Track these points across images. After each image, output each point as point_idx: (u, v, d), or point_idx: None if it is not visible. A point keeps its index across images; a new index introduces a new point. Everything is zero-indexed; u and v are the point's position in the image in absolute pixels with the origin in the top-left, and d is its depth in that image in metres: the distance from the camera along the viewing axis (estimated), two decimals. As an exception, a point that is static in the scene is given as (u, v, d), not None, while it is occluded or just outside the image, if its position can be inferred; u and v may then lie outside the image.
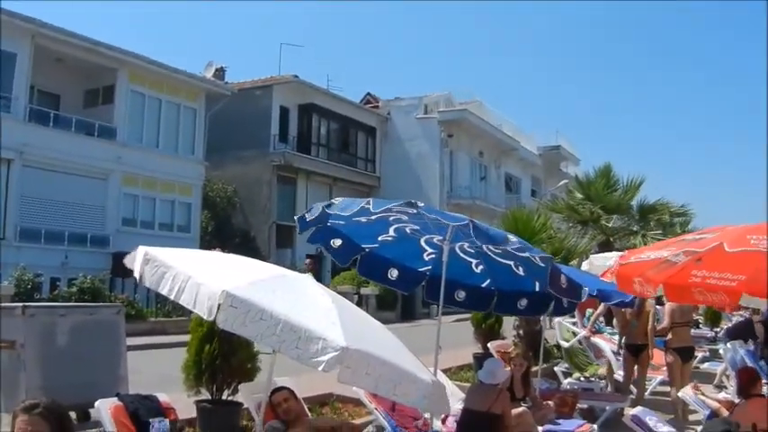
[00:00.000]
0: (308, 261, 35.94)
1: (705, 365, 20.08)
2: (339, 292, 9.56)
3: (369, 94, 54.23)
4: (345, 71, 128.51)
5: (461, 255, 9.69)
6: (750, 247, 6.65)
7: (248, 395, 9.34)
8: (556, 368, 17.17)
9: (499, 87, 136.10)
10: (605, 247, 22.00)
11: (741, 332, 19.76)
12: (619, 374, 16.05)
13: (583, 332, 17.47)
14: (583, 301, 9.75)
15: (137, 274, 6.13)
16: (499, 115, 57.38)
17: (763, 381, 11.67)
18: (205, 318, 5.58)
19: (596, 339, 17.72)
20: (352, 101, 50.03)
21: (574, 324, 17.95)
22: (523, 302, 10.10)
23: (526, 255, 8.59)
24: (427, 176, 48.84)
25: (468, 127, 52.12)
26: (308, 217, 8.78)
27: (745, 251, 6.66)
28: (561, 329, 17.98)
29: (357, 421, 11.41)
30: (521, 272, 9.14)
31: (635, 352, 14.96)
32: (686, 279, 7.98)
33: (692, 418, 13.45)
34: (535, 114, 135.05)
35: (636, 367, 15.16)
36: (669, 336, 14.82)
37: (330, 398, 13.28)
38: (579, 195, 27.30)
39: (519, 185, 62.47)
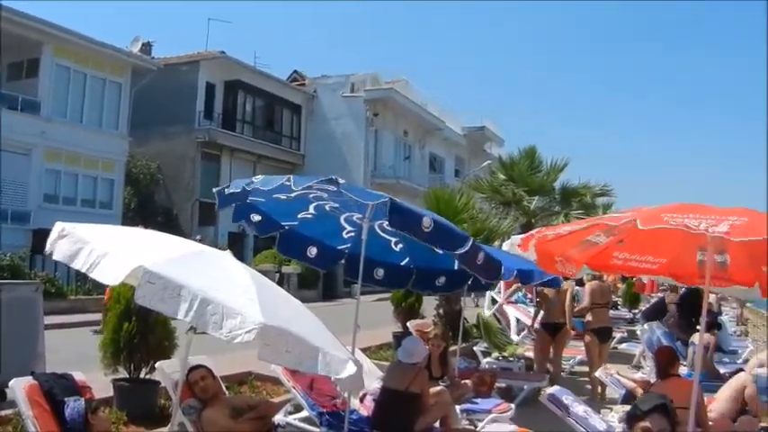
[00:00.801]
0: None
1: (623, 346, 20.40)
2: (260, 271, 9.51)
3: (296, 71, 53.93)
4: (273, 48, 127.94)
5: (380, 233, 9.73)
6: (664, 225, 6.75)
7: (165, 374, 9.22)
8: (475, 348, 17.29)
9: (427, 67, 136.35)
10: (527, 228, 22.18)
11: (657, 313, 20.16)
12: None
13: (500, 300, 17.75)
14: (502, 279, 9.89)
15: (48, 249, 6.08)
16: (425, 95, 57.44)
17: (680, 361, 11.95)
18: (110, 283, 5.58)
19: (508, 308, 17.94)
20: (279, 78, 49.62)
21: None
22: (441, 280, 10.19)
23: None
24: (352, 155, 48.84)
25: (394, 106, 52.06)
26: (227, 191, 8.78)
27: (661, 228, 6.75)
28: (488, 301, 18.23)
29: (275, 400, 11.35)
30: (439, 249, 9.22)
31: (552, 330, 15.03)
32: (608, 261, 8.10)
33: (608, 397, 13.71)
34: (463, 95, 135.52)
35: (552, 346, 15.23)
36: (588, 316, 15.03)
37: (249, 376, 13.25)
38: (502, 176, 27.45)
39: (443, 165, 62.57)
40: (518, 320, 17.89)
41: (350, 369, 5.82)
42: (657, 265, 7.77)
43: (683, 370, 11.26)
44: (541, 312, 15.35)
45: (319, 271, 25.41)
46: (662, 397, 4.49)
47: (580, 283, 17.27)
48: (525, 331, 18.00)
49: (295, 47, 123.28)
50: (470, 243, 8.12)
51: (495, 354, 16.43)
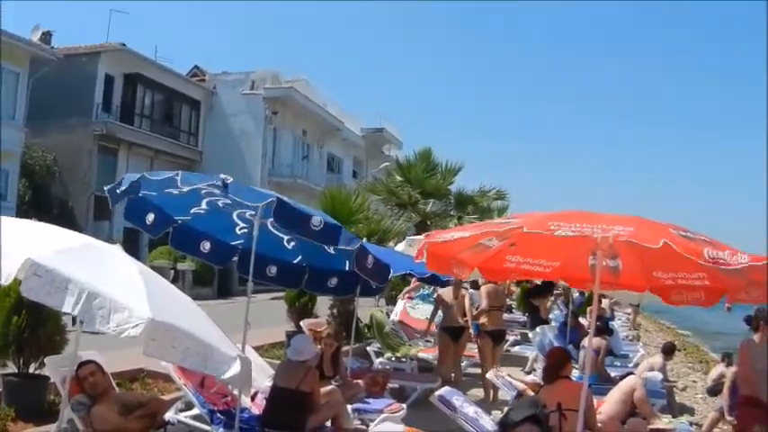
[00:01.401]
0: None
1: (516, 349, 20.59)
2: (155, 267, 9.45)
3: (196, 66, 53.36)
4: (174, 43, 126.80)
5: (273, 230, 9.70)
6: (548, 232, 6.85)
7: (54, 369, 9.05)
8: (368, 348, 17.29)
9: (328, 68, 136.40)
10: (421, 229, 22.29)
11: (539, 318, 20.49)
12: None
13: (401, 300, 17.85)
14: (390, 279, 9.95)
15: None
16: (325, 95, 57.35)
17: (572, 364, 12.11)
18: (2, 282, 5.47)
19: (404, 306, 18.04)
20: (179, 73, 49.07)
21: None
22: (333, 281, 10.21)
23: (335, 234, 8.67)
24: (250, 153, 48.48)
25: (294, 105, 51.80)
26: (119, 189, 8.67)
27: (546, 235, 6.86)
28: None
29: (166, 397, 11.24)
30: (331, 250, 9.22)
31: (453, 334, 15.11)
32: (501, 264, 8.16)
33: (501, 399, 13.82)
34: (364, 97, 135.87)
35: (453, 350, 15.24)
36: (482, 319, 15.14)
37: (141, 373, 13.06)
38: (399, 178, 27.61)
39: (341, 166, 62.52)
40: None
41: (235, 368, 5.78)
42: (550, 269, 7.84)
43: (574, 373, 11.40)
44: (439, 314, 15.43)
45: (215, 268, 25.24)
46: (534, 405, 4.51)
47: (474, 285, 17.38)
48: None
49: (196, 42, 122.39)
50: (359, 244, 8.14)
51: (388, 354, 16.44)
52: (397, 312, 18.63)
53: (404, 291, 18.51)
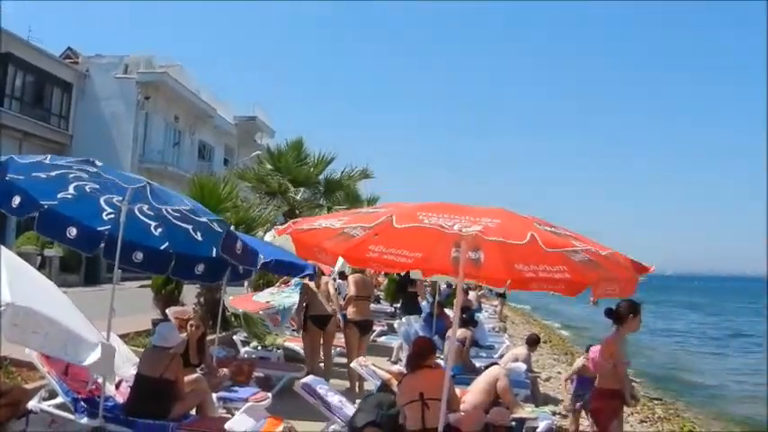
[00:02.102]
0: None
1: (382, 339, 20.77)
2: (22, 253, 9.27)
3: (69, 48, 52.13)
4: (47, 23, 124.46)
5: (140, 216, 9.57)
6: (419, 223, 6.90)
7: None
8: (235, 336, 17.22)
9: (202, 55, 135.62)
10: (291, 217, 22.26)
11: (413, 306, 20.69)
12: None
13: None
14: (258, 268, 9.94)
15: None
16: (199, 82, 56.84)
17: (437, 354, 12.23)
18: None
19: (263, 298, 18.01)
20: (52, 54, 47.80)
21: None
22: (200, 268, 10.12)
23: (204, 219, 8.64)
24: (121, 138, 47.52)
25: (167, 91, 51.11)
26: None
27: (415, 227, 6.90)
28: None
29: (30, 385, 11.06)
30: (198, 236, 9.14)
31: (320, 323, 15.02)
32: (364, 253, 8.21)
33: (367, 389, 13.90)
34: (238, 86, 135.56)
35: (322, 339, 15.23)
36: (349, 308, 15.20)
37: (4, 361, 12.80)
38: (269, 166, 27.60)
39: (212, 153, 61.93)
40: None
41: (96, 354, 5.73)
42: (413, 260, 7.92)
43: (439, 363, 11.54)
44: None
45: (82, 255, 24.86)
46: (378, 406, 4.56)
47: (342, 276, 17.45)
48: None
49: (70, 24, 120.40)
50: (228, 229, 8.13)
51: (255, 343, 16.44)
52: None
53: (283, 278, 18.52)
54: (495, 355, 17.13)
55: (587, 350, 18.42)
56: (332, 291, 15.16)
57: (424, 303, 23.06)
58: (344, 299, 15.59)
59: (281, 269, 12.77)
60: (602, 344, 9.77)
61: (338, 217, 8.00)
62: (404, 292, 22.29)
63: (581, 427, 12.65)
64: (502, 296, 36.02)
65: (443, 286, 20.28)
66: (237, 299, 16.91)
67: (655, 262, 7.46)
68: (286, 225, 8.05)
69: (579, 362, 17.56)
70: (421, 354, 8.94)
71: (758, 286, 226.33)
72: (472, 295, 26.81)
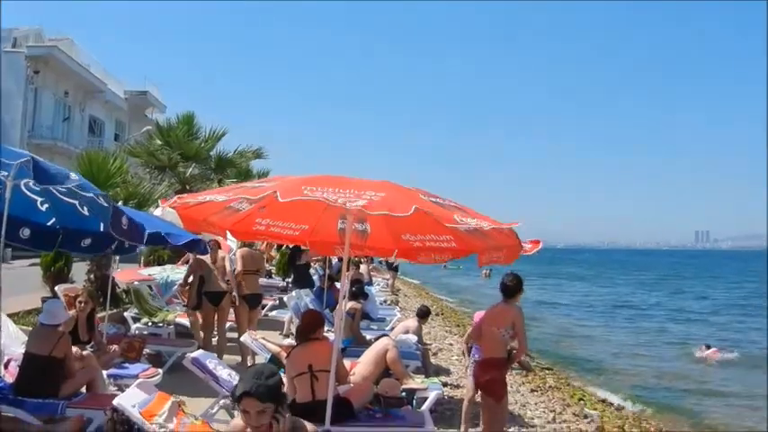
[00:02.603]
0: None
1: (274, 313, 20.77)
2: None
3: (-45, 22, 51.14)
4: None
5: (26, 192, 9.45)
6: (302, 197, 6.87)
7: None
8: (125, 313, 17.03)
9: (95, 28, 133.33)
10: (181, 193, 22.11)
11: (305, 280, 20.71)
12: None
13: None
14: (144, 243, 9.89)
15: None
16: (89, 56, 55.99)
17: (327, 328, 12.27)
18: None
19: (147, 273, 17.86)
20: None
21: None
22: (87, 241, 10.05)
23: (90, 194, 8.56)
24: (9, 114, 46.46)
25: (56, 65, 50.11)
26: None
27: (300, 200, 6.88)
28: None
29: None
30: (85, 211, 9.05)
31: (214, 299, 14.90)
32: (251, 227, 8.23)
33: (258, 362, 13.89)
34: (128, 61, 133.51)
35: (216, 315, 15.13)
36: (239, 282, 15.17)
37: None
38: (159, 141, 27.37)
39: (103, 129, 60.93)
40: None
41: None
42: (299, 232, 7.99)
43: (330, 336, 11.58)
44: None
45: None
46: (257, 376, 4.56)
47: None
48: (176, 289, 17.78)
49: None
50: (114, 205, 8.08)
51: (146, 320, 16.30)
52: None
53: (185, 257, 18.35)
54: (387, 328, 17.21)
55: None
56: (228, 267, 15.09)
57: (315, 277, 23.11)
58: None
59: (170, 244, 12.70)
60: (494, 313, 9.75)
61: (223, 192, 7.96)
62: (294, 265, 22.30)
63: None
64: (393, 269, 36.20)
65: (335, 260, 20.36)
66: (123, 272, 16.81)
67: (546, 236, 7.60)
68: (172, 199, 7.98)
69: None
70: (309, 326, 8.98)
71: (646, 259, 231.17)
72: (363, 269, 26.89)
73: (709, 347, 28.98)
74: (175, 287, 17.20)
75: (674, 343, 30.98)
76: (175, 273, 17.77)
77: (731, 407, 19.57)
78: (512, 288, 9.53)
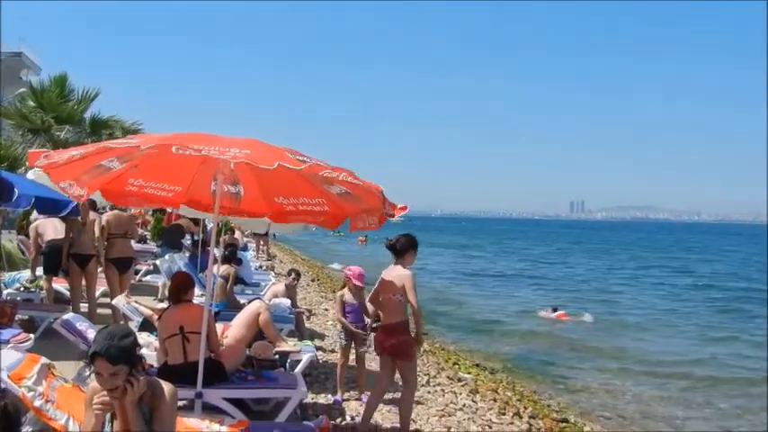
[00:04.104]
0: None
1: (148, 278, 20.70)
2: None
3: None
4: None
5: None
6: (168, 151, 6.70)
7: None
8: (-5, 278, 16.81)
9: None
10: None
11: (176, 241, 20.64)
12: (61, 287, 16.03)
13: None
14: (13, 204, 9.76)
15: None
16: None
17: (198, 291, 12.25)
18: None
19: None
20: None
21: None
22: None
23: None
24: None
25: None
26: None
27: (167, 151, 6.70)
28: None
29: None
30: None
31: (81, 262, 14.64)
32: (123, 187, 8.14)
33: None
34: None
35: (84, 278, 14.92)
36: (106, 246, 14.99)
37: None
38: (32, 103, 26.84)
39: (-26, 91, 59.51)
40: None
41: None
42: (173, 194, 7.93)
43: (203, 299, 11.56)
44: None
45: None
46: (109, 337, 4.51)
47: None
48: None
49: None
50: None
51: (18, 285, 16.03)
52: None
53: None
54: (262, 293, 17.24)
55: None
56: (97, 230, 14.90)
57: (189, 242, 23.02)
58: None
59: (43, 207, 12.52)
60: (387, 279, 9.70)
61: (91, 147, 7.76)
62: (167, 230, 22.19)
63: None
64: (263, 235, 36.00)
65: (209, 225, 20.31)
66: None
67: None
68: (38, 158, 7.76)
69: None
70: (180, 288, 8.95)
71: (521, 228, 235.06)
72: (238, 234, 26.87)
73: (555, 310, 30.02)
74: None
75: (544, 307, 31.57)
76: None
77: (598, 368, 20.16)
78: (399, 249, 9.49)
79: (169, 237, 22.00)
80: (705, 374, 19.97)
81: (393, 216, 7.94)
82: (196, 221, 20.31)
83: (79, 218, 14.31)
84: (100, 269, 15.09)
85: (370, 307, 12.70)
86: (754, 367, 21.37)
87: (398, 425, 9.89)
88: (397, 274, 9.44)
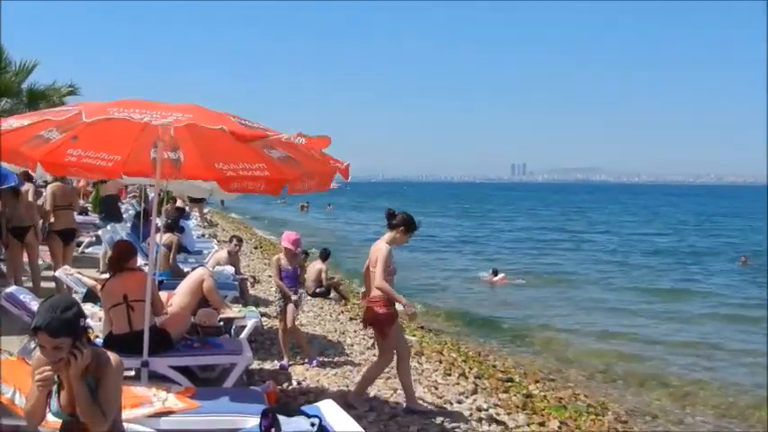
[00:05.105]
0: None
1: (90, 250, 20.53)
2: None
3: None
4: None
5: None
6: (108, 116, 6.61)
7: None
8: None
9: None
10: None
11: (115, 211, 20.56)
12: None
13: None
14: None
15: None
16: None
17: (141, 261, 12.18)
18: None
19: None
20: None
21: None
22: None
23: None
24: None
25: None
26: None
27: (106, 119, 6.61)
28: None
29: None
30: None
31: (20, 234, 14.40)
32: (62, 158, 8.03)
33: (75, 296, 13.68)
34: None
35: (25, 252, 14.76)
36: (51, 218, 14.88)
37: None
38: (-30, 76, 26.43)
39: None
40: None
41: None
42: (112, 163, 7.84)
43: (146, 268, 11.49)
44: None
45: None
46: (50, 310, 4.45)
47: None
48: None
49: None
50: None
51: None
52: None
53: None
54: (205, 261, 17.19)
55: (322, 255, 19.42)
56: (33, 199, 14.75)
57: (131, 212, 22.87)
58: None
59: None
60: (372, 251, 9.65)
61: (27, 117, 7.62)
62: (104, 200, 22.03)
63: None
64: (198, 201, 35.71)
65: (151, 194, 20.18)
66: None
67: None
68: None
69: (315, 267, 18.28)
70: (121, 256, 8.90)
71: (463, 192, 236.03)
72: (180, 202, 26.72)
73: (496, 273, 30.10)
74: None
75: (485, 270, 31.71)
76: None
77: (542, 329, 20.41)
78: (393, 222, 9.54)
79: (107, 207, 21.84)
80: (646, 334, 20.35)
81: (343, 173, 7.93)
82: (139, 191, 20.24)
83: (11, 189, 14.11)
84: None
85: (310, 273, 12.70)
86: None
87: (344, 388, 9.96)
88: (376, 247, 9.48)
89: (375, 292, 9.35)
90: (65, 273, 12.60)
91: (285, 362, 11.39)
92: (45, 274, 15.42)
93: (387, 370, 11.05)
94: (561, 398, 12.64)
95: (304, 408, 5.91)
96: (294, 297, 11.53)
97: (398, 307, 9.45)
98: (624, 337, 19.54)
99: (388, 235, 9.52)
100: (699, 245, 50.72)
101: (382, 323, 9.38)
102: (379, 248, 9.38)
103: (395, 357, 9.63)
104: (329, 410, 5.93)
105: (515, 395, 11.86)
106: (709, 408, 13.46)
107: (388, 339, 9.51)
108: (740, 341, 19.70)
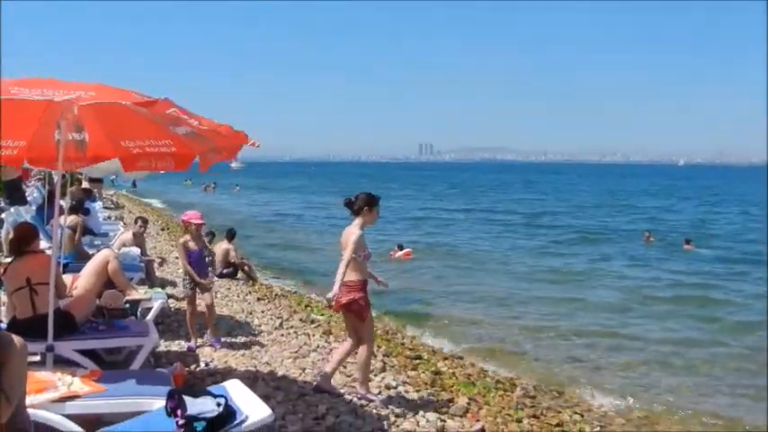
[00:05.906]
0: None
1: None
2: None
3: None
4: None
5: None
6: (8, 96, 6.41)
7: None
8: None
9: None
10: None
11: (18, 196, 20.26)
12: None
13: None
14: None
15: None
16: None
17: (46, 244, 12.02)
18: None
19: None
20: None
21: None
22: None
23: None
24: None
25: None
26: None
27: (7, 99, 6.42)
28: None
29: None
30: None
31: None
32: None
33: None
34: None
35: None
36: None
37: None
38: None
39: None
40: None
41: None
42: (17, 150, 7.70)
43: (49, 252, 11.35)
44: None
45: None
46: None
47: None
48: None
49: None
50: None
51: None
52: None
53: None
54: (111, 243, 17.02)
55: (228, 235, 19.41)
56: None
57: (36, 194, 22.56)
58: None
59: None
60: (343, 236, 9.57)
61: None
62: (6, 185, 21.73)
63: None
64: (97, 180, 35.29)
65: (56, 177, 19.95)
66: None
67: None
68: None
69: (222, 246, 18.19)
70: (22, 239, 8.74)
71: (371, 171, 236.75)
72: (85, 184, 26.44)
73: (401, 248, 30.66)
74: None
75: (391, 248, 31.82)
76: None
77: (449, 303, 20.80)
78: (354, 206, 9.49)
79: (9, 191, 21.53)
80: (552, 296, 21.80)
81: (253, 144, 7.87)
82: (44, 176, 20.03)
83: None
84: None
85: (217, 253, 12.62)
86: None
87: (252, 369, 9.96)
88: (348, 232, 9.43)
89: (350, 277, 9.28)
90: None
91: (193, 343, 11.37)
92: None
93: (295, 349, 11.06)
94: (470, 374, 12.77)
95: (210, 388, 5.91)
96: (205, 281, 11.50)
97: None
98: (529, 316, 19.88)
99: (358, 220, 9.46)
100: (600, 224, 51.75)
101: (362, 307, 9.38)
102: (351, 233, 9.35)
103: (353, 342, 9.69)
104: (235, 390, 5.95)
105: (424, 372, 11.94)
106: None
107: (367, 322, 9.54)
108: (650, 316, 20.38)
